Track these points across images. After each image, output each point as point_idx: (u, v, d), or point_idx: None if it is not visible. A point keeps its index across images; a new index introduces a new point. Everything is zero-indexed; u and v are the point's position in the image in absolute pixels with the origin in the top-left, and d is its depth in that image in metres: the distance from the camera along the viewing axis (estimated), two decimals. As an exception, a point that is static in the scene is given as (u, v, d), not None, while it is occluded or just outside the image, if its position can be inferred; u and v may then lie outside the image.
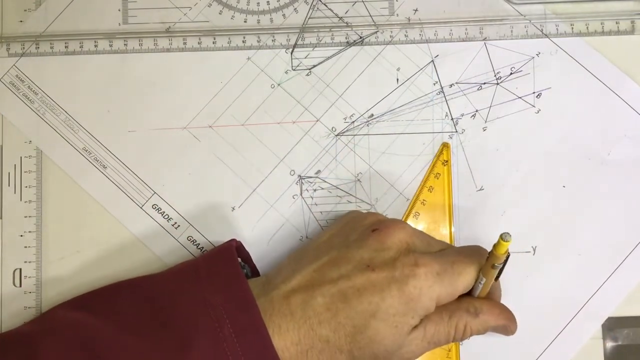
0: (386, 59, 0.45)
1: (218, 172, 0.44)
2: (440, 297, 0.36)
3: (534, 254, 0.43)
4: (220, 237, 0.43)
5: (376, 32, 0.45)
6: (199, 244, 0.44)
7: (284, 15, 0.45)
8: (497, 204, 0.43)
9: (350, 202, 0.44)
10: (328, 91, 0.44)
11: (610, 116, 0.44)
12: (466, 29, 0.44)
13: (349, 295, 0.35)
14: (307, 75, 0.45)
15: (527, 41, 0.44)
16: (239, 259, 0.39)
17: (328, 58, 0.45)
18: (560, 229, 0.43)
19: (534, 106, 0.44)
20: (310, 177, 0.44)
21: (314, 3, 0.45)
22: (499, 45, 0.44)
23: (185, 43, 0.45)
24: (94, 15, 0.45)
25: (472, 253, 0.38)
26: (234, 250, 0.38)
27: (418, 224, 0.43)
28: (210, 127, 0.44)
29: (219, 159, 0.44)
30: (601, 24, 0.44)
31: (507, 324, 0.39)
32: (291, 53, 0.45)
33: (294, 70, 0.45)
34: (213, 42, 0.45)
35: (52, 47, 0.45)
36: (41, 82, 0.45)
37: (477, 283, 0.37)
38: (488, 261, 0.35)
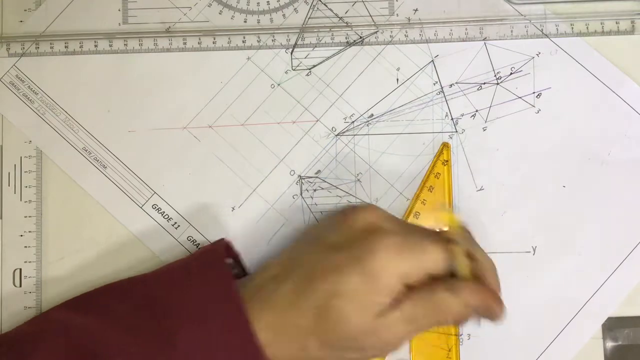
0: (386, 59, 0.45)
1: (218, 172, 0.44)
2: (407, 274, 0.35)
3: (534, 254, 0.43)
4: (220, 237, 0.43)
5: (376, 32, 0.45)
6: (199, 244, 0.44)
7: (284, 15, 0.45)
8: (497, 204, 0.43)
9: (350, 202, 0.44)
10: (328, 91, 0.44)
11: (610, 116, 0.44)
12: (466, 29, 0.44)
13: (313, 277, 0.35)
14: (307, 75, 0.45)
15: (527, 41, 0.44)
16: (230, 259, 0.39)
17: (328, 58, 0.45)
18: (560, 229, 0.43)
19: (534, 106, 0.44)
20: (310, 177, 0.44)
21: (314, 3, 0.45)
22: (499, 45, 0.44)
23: (185, 43, 0.45)
24: (94, 15, 0.45)
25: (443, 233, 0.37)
26: (223, 252, 0.39)
27: (418, 223, 0.43)
28: (210, 127, 0.44)
29: (219, 159, 0.44)
30: (601, 24, 0.44)
31: (489, 305, 0.36)
32: (291, 53, 0.45)
33: (294, 70, 0.45)
34: (213, 42, 0.45)
35: (52, 47, 0.45)
36: (41, 82, 0.45)
37: (455, 264, 0.36)
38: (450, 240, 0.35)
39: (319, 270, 0.35)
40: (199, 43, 0.45)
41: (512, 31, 0.44)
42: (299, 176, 0.44)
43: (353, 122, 0.44)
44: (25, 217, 0.44)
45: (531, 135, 0.44)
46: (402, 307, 0.35)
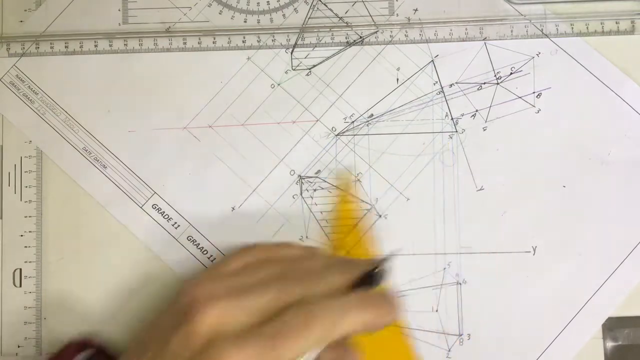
0: (386, 59, 0.45)
1: (218, 172, 0.44)
2: None
3: (534, 254, 0.43)
4: (220, 237, 0.43)
5: (376, 32, 0.45)
6: (198, 244, 0.44)
7: (284, 15, 0.45)
8: (497, 204, 0.43)
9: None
10: (328, 91, 0.44)
11: (610, 116, 0.44)
12: (466, 29, 0.44)
13: None
14: (307, 75, 0.45)
15: (527, 41, 0.44)
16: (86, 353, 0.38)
17: (328, 58, 0.45)
18: (560, 229, 0.43)
19: (534, 106, 0.44)
20: (310, 177, 0.44)
21: (314, 3, 0.45)
22: (499, 45, 0.44)
23: (185, 43, 0.45)
24: (94, 15, 0.45)
25: (306, 319, 0.31)
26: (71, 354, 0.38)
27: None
28: (210, 127, 0.44)
29: (219, 159, 0.44)
30: (601, 24, 0.44)
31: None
32: (291, 53, 0.45)
33: (294, 70, 0.45)
34: (213, 42, 0.45)
35: (52, 47, 0.45)
36: (41, 82, 0.45)
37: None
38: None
39: None
40: (199, 43, 0.45)
41: (512, 31, 0.44)
42: (299, 176, 0.44)
43: (353, 122, 0.44)
44: (25, 217, 0.44)
45: (531, 135, 0.44)
46: None
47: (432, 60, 0.44)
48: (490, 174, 0.44)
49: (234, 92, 0.44)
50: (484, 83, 0.44)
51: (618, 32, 0.44)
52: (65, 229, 0.44)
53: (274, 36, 0.45)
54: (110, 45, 0.45)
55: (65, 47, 0.45)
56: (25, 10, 0.45)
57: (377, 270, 0.34)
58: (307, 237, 0.43)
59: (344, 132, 0.44)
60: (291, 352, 0.30)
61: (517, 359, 0.43)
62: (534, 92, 0.44)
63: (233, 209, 0.44)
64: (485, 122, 0.44)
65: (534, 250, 0.43)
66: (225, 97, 0.44)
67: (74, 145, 0.44)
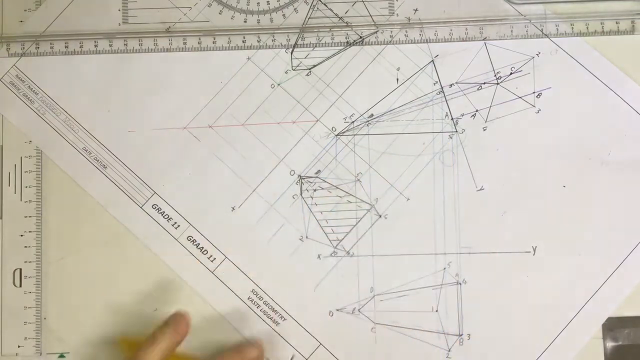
0: (386, 59, 0.45)
1: (218, 172, 0.44)
2: None
3: (534, 254, 0.43)
4: (220, 237, 0.43)
5: (376, 32, 0.45)
6: (198, 243, 0.44)
7: (284, 15, 0.45)
8: (497, 204, 0.43)
9: (350, 202, 0.44)
10: (328, 91, 0.44)
11: (610, 116, 0.44)
12: (466, 29, 0.44)
13: None
14: (307, 75, 0.45)
15: (527, 41, 0.44)
16: None
17: (328, 58, 0.45)
18: (560, 229, 0.43)
19: (534, 106, 0.44)
20: (310, 177, 0.44)
21: (314, 3, 0.45)
22: (499, 45, 0.44)
23: (185, 43, 0.45)
24: (94, 15, 0.45)
25: None
26: None
27: None
28: (210, 127, 0.44)
29: (219, 159, 0.44)
30: (601, 24, 0.44)
31: None
32: (291, 53, 0.45)
33: (294, 70, 0.45)
34: (213, 42, 0.45)
35: (52, 47, 0.45)
36: (41, 82, 0.45)
37: None
38: None
39: None
40: (199, 43, 0.45)
41: (512, 31, 0.44)
42: (299, 176, 0.44)
43: (353, 122, 0.44)
44: (25, 217, 0.44)
45: (531, 135, 0.44)
46: None
47: (432, 60, 0.44)
48: (490, 174, 0.44)
49: (234, 92, 0.44)
50: (484, 83, 0.44)
51: (618, 32, 0.44)
52: (65, 229, 0.44)
53: (274, 36, 0.45)
54: (110, 45, 0.45)
55: (65, 47, 0.45)
56: (25, 10, 0.45)
57: None
58: (307, 237, 0.43)
59: (344, 132, 0.44)
60: None
61: (517, 358, 0.43)
62: (534, 92, 0.44)
63: (233, 209, 0.44)
64: (485, 122, 0.44)
65: (534, 250, 0.43)
66: (225, 97, 0.44)
67: (74, 145, 0.44)
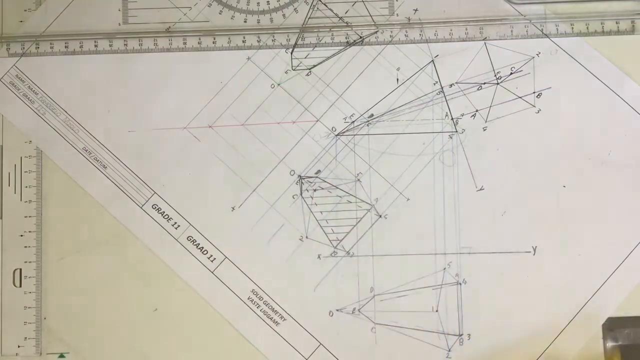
0: (386, 59, 0.45)
1: (218, 172, 0.44)
2: None
3: (534, 254, 0.43)
4: (220, 237, 0.43)
5: (376, 32, 0.45)
6: (198, 243, 0.44)
7: (284, 15, 0.45)
8: (497, 204, 0.43)
9: (350, 202, 0.44)
10: (328, 91, 0.44)
11: (610, 116, 0.44)
12: (466, 29, 0.44)
13: None
14: (307, 75, 0.45)
15: (527, 41, 0.44)
16: None
17: (328, 58, 0.45)
18: (560, 229, 0.43)
19: (534, 106, 0.44)
20: (310, 177, 0.44)
21: (314, 3, 0.45)
22: (499, 45, 0.44)
23: (185, 43, 0.45)
24: (94, 15, 0.45)
25: None
26: None
27: None
28: (210, 127, 0.44)
29: (219, 159, 0.44)
30: (601, 24, 0.44)
31: None
32: (291, 53, 0.45)
33: (294, 70, 0.45)
34: (213, 42, 0.45)
35: (52, 47, 0.45)
36: (41, 82, 0.45)
37: None
38: None
39: None
40: (199, 43, 0.45)
41: (512, 31, 0.44)
42: (299, 176, 0.44)
43: (353, 122, 0.44)
44: (25, 217, 0.44)
45: (531, 135, 0.44)
46: None
47: (432, 60, 0.44)
48: (490, 174, 0.44)
49: (234, 92, 0.44)
50: (484, 83, 0.44)
51: (618, 32, 0.44)
52: (65, 229, 0.44)
53: (274, 36, 0.45)
54: (110, 45, 0.45)
55: (65, 47, 0.45)
56: (25, 10, 0.45)
57: None
58: (307, 237, 0.43)
59: (344, 132, 0.44)
60: None
61: (517, 359, 0.42)
62: (534, 92, 0.44)
63: (233, 209, 0.44)
64: (485, 122, 0.44)
65: (534, 250, 0.43)
66: (225, 97, 0.44)
67: (74, 145, 0.44)
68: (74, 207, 0.44)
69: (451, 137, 0.44)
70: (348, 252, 0.43)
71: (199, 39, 0.45)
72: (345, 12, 0.45)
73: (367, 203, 0.44)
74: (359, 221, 0.43)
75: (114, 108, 0.44)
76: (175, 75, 0.45)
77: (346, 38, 0.45)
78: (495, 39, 0.44)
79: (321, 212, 0.44)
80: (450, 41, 0.44)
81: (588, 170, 0.44)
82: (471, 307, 0.43)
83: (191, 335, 0.43)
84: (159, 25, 0.45)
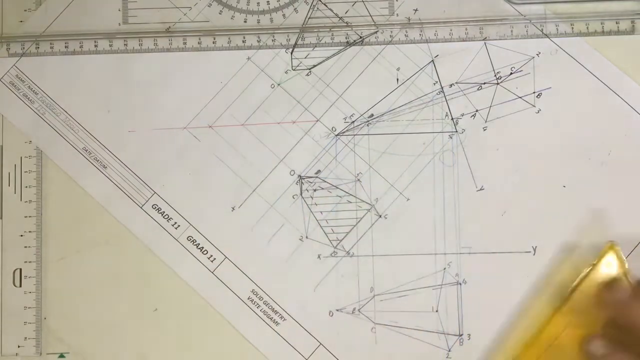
0: (386, 59, 0.45)
1: (218, 172, 0.44)
2: None
3: (534, 254, 0.43)
4: (220, 237, 0.43)
5: (376, 32, 0.45)
6: (198, 243, 0.44)
7: (284, 15, 0.45)
8: (497, 204, 0.43)
9: (350, 202, 0.44)
10: (328, 91, 0.44)
11: (610, 116, 0.44)
12: (466, 29, 0.44)
13: None
14: (307, 75, 0.45)
15: (527, 41, 0.44)
16: None
17: (328, 58, 0.45)
18: (560, 229, 0.43)
19: (534, 106, 0.44)
20: (310, 177, 0.44)
21: (314, 3, 0.45)
22: (499, 45, 0.44)
23: (185, 43, 0.45)
24: (94, 15, 0.45)
25: None
26: None
27: None
28: (210, 127, 0.44)
29: (219, 159, 0.44)
30: (601, 24, 0.44)
31: None
32: (291, 53, 0.45)
33: (294, 70, 0.45)
34: (213, 42, 0.45)
35: (52, 47, 0.45)
36: (41, 82, 0.45)
37: None
38: None
39: None
40: (199, 43, 0.45)
41: (512, 31, 0.44)
42: (299, 176, 0.44)
43: (353, 122, 0.44)
44: (25, 217, 0.44)
45: (531, 135, 0.44)
46: None
47: (432, 60, 0.44)
48: (490, 174, 0.44)
49: (234, 92, 0.44)
50: (484, 83, 0.44)
51: (618, 32, 0.44)
52: (65, 229, 0.44)
53: (274, 36, 0.45)
54: (110, 45, 0.45)
55: (65, 47, 0.45)
56: (25, 10, 0.45)
57: None
58: (307, 237, 0.43)
59: (344, 132, 0.44)
60: None
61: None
62: (534, 92, 0.44)
63: (233, 209, 0.44)
64: (485, 122, 0.44)
65: (534, 250, 0.43)
66: (225, 97, 0.44)
67: (74, 145, 0.44)
68: (74, 207, 0.44)
69: (451, 137, 0.44)
70: (348, 252, 0.43)
71: (199, 39, 0.45)
72: (345, 12, 0.45)
73: (367, 203, 0.44)
74: (359, 221, 0.43)
75: (114, 108, 0.44)
76: (175, 75, 0.45)
77: (346, 38, 0.45)
78: (495, 39, 0.44)
79: (321, 212, 0.44)
80: (450, 41, 0.44)
81: (588, 170, 0.44)
82: (471, 307, 0.43)
83: (191, 335, 0.43)
84: (159, 25, 0.45)
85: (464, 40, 0.44)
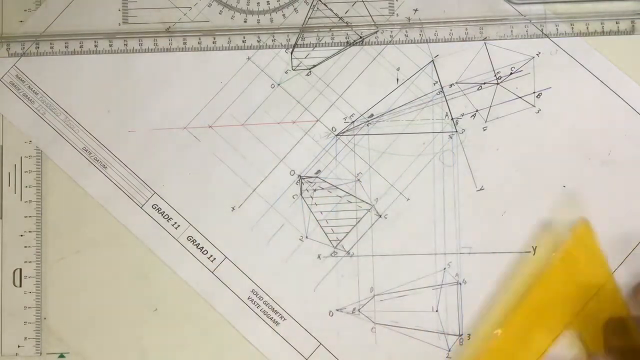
0: (386, 59, 0.45)
1: (218, 172, 0.44)
2: None
3: (534, 254, 0.43)
4: (220, 237, 0.43)
5: (376, 32, 0.45)
6: (198, 243, 0.44)
7: (284, 15, 0.45)
8: (497, 204, 0.43)
9: (350, 202, 0.44)
10: (328, 91, 0.44)
11: (610, 116, 0.44)
12: (466, 29, 0.44)
13: None
14: (307, 75, 0.45)
15: (527, 41, 0.44)
16: None
17: (328, 58, 0.45)
18: (559, 229, 0.43)
19: (534, 106, 0.44)
20: (310, 177, 0.44)
21: (314, 3, 0.45)
22: (499, 45, 0.44)
23: (185, 43, 0.45)
24: (94, 15, 0.45)
25: None
26: None
27: None
28: (210, 127, 0.44)
29: (219, 159, 0.44)
30: (601, 24, 0.44)
31: None
32: (291, 53, 0.45)
33: (294, 70, 0.45)
34: (213, 42, 0.45)
35: (52, 47, 0.45)
36: (41, 82, 0.45)
37: None
38: None
39: None
40: (199, 43, 0.45)
41: (512, 31, 0.44)
42: (299, 176, 0.44)
43: (353, 122, 0.44)
44: (25, 217, 0.44)
45: (531, 135, 0.44)
46: None
47: (432, 60, 0.44)
48: (490, 174, 0.44)
49: (234, 92, 0.44)
50: (484, 83, 0.44)
51: (618, 32, 0.44)
52: (65, 229, 0.44)
53: (274, 36, 0.45)
54: (110, 45, 0.45)
55: (65, 47, 0.45)
56: (25, 10, 0.45)
57: None
58: (307, 237, 0.43)
59: (344, 132, 0.44)
60: None
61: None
62: (534, 92, 0.44)
63: (233, 209, 0.44)
64: (485, 122, 0.44)
65: (534, 250, 0.43)
66: (225, 97, 0.44)
67: (74, 145, 0.44)
68: (74, 207, 0.44)
69: (451, 137, 0.44)
70: (348, 252, 0.43)
71: (199, 39, 0.45)
72: (345, 12, 0.45)
73: (367, 203, 0.44)
74: (359, 221, 0.43)
75: (114, 108, 0.44)
76: (175, 75, 0.45)
77: (346, 38, 0.45)
78: (495, 39, 0.44)
79: (321, 212, 0.44)
80: (450, 41, 0.44)
81: (588, 170, 0.44)
82: (471, 307, 0.43)
83: (191, 335, 0.43)
84: (159, 25, 0.45)
85: (464, 40, 0.44)
